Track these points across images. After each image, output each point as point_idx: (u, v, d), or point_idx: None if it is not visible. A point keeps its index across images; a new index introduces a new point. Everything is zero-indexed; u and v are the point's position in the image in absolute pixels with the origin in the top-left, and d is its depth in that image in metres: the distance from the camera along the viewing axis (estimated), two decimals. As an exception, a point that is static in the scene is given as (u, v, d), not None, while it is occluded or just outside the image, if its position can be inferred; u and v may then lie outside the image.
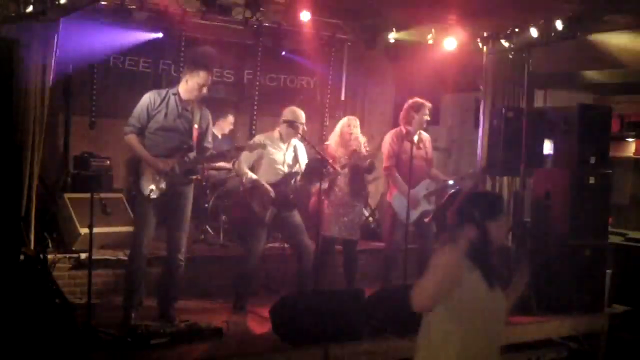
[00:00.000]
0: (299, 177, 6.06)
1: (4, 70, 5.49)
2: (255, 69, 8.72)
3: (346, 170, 6.32)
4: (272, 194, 5.89)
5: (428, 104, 6.66)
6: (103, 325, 5.01)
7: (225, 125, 8.17)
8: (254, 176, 5.96)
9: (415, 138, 6.52)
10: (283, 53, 8.51)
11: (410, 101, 6.66)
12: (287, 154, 6.12)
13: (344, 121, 6.53)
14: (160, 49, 8.06)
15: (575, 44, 7.56)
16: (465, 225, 3.07)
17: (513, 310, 3.35)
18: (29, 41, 5.91)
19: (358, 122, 6.53)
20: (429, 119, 6.71)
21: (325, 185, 6.09)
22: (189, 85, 5.36)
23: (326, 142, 6.63)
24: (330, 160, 6.10)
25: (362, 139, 6.49)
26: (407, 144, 6.40)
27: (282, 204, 5.96)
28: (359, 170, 6.43)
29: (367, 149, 6.45)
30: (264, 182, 5.92)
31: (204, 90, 5.38)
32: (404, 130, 6.60)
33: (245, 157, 5.99)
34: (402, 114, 6.68)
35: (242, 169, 6.01)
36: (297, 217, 6.10)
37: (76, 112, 7.63)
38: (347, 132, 6.39)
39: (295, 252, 6.15)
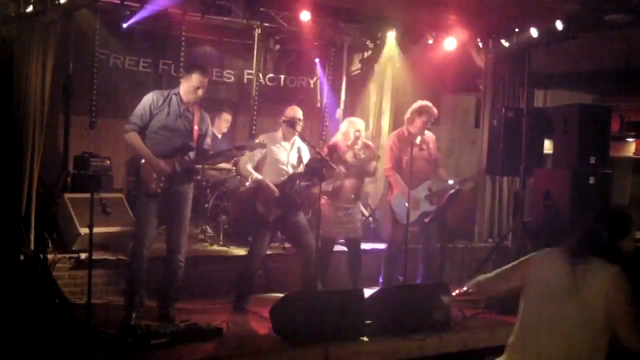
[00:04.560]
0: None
1: (4, 70, 5.50)
2: (255, 69, 8.72)
3: (353, 172, 6.30)
4: (277, 193, 5.88)
5: (434, 112, 6.56)
6: (103, 325, 5.00)
7: (221, 124, 8.16)
8: (259, 176, 5.94)
9: (418, 139, 6.46)
10: (277, 47, 8.49)
11: (419, 103, 6.57)
12: (291, 154, 6.11)
13: (353, 125, 6.38)
14: (160, 49, 8.06)
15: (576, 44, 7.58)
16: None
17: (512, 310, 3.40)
18: (29, 41, 5.92)
19: (364, 125, 6.48)
20: (429, 125, 6.67)
21: (329, 187, 6.07)
22: (184, 88, 5.38)
23: (333, 140, 6.53)
24: (329, 159, 6.07)
25: (369, 142, 6.46)
26: (408, 146, 6.38)
27: (286, 204, 5.95)
28: (364, 173, 6.42)
29: (376, 153, 6.39)
30: (269, 182, 5.91)
31: (200, 92, 5.37)
32: (406, 132, 6.57)
33: (249, 157, 5.98)
34: (407, 114, 6.63)
35: (247, 169, 5.99)
36: (301, 218, 6.09)
37: (76, 112, 7.62)
38: (357, 136, 6.32)
39: (299, 253, 6.13)
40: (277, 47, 8.40)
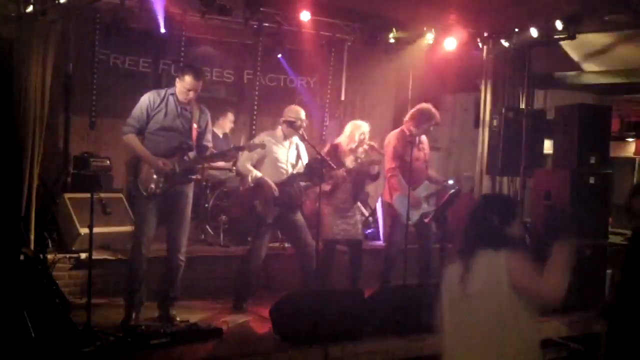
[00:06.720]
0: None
1: (4, 70, 5.50)
2: (255, 69, 8.72)
3: (353, 175, 6.29)
4: (276, 192, 5.87)
5: (438, 117, 6.61)
6: (103, 325, 5.01)
7: (225, 124, 8.18)
8: (258, 174, 5.92)
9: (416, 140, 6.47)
10: (279, 56, 8.52)
11: (424, 106, 6.56)
12: (289, 152, 6.10)
13: (358, 128, 6.33)
14: (161, 49, 8.06)
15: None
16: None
17: None
18: (29, 41, 5.91)
19: (368, 128, 6.46)
20: (432, 129, 6.70)
21: (326, 187, 6.06)
22: (178, 87, 5.38)
23: (337, 141, 6.52)
24: (329, 159, 6.06)
25: (374, 144, 6.45)
26: (409, 146, 6.38)
27: (285, 203, 5.95)
28: (365, 176, 6.41)
29: (381, 152, 6.39)
30: (269, 181, 5.90)
31: (191, 94, 5.34)
32: (407, 132, 6.57)
33: (248, 156, 5.96)
34: (411, 115, 6.61)
35: (246, 167, 5.97)
36: (299, 217, 6.09)
37: (76, 112, 7.62)
38: (362, 139, 6.30)
39: (297, 252, 6.13)
40: (278, 47, 8.39)
